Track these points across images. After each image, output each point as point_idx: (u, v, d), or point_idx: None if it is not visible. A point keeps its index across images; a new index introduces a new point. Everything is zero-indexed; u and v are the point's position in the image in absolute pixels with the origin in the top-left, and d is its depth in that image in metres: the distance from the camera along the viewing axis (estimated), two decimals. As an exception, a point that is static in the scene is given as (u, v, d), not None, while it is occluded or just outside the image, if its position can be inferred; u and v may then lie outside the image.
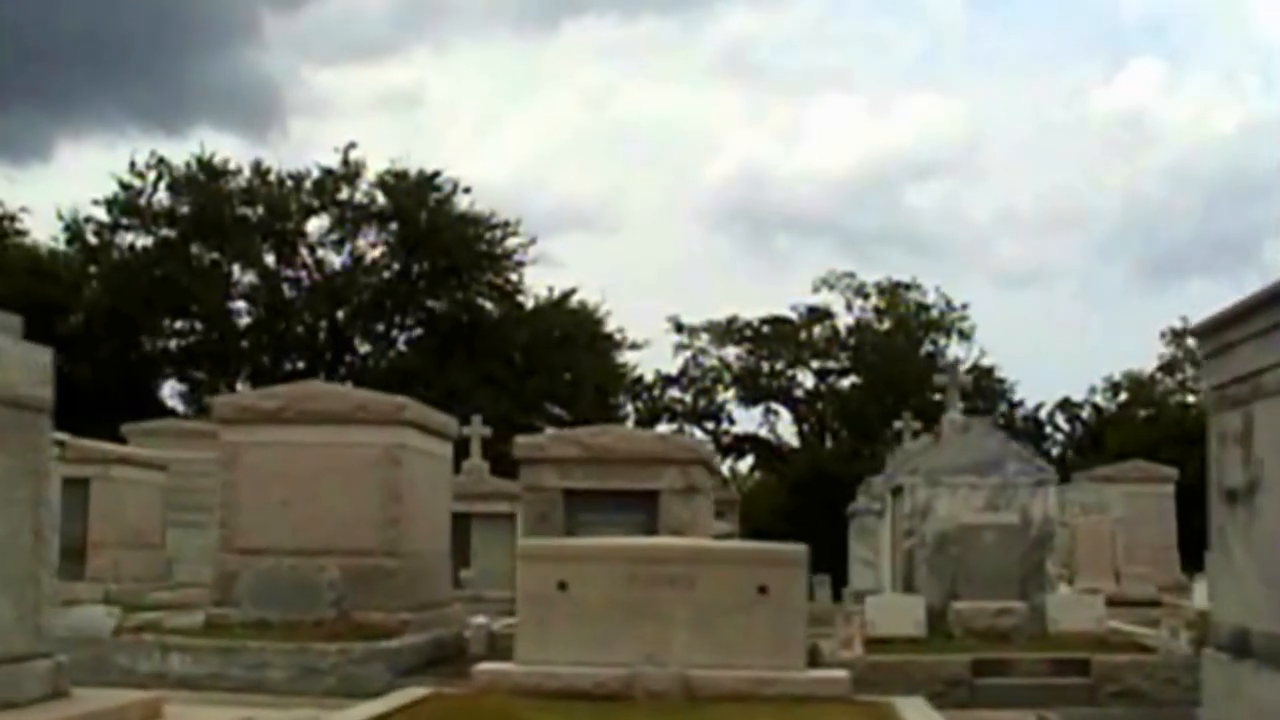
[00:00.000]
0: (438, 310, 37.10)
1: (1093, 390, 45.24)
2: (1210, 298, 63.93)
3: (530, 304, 37.73)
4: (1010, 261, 61.96)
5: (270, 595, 13.10)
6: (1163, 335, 44.91)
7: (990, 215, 64.85)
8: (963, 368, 43.28)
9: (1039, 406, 45.68)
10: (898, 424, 26.29)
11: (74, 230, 35.79)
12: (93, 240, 35.90)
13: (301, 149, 66.55)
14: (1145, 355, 55.06)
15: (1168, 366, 45.69)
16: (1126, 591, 19.98)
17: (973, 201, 64.74)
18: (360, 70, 60.54)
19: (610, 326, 38.44)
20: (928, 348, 43.74)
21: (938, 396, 42.37)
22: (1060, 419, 46.41)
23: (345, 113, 57.39)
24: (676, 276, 61.73)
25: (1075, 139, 64.50)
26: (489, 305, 36.84)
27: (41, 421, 7.74)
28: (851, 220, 63.27)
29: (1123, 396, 45.62)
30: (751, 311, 43.69)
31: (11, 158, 58.14)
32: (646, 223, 63.46)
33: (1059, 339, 58.01)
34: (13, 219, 36.10)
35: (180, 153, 38.49)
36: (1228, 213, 61.54)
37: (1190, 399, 45.50)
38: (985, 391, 41.74)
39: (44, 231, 36.48)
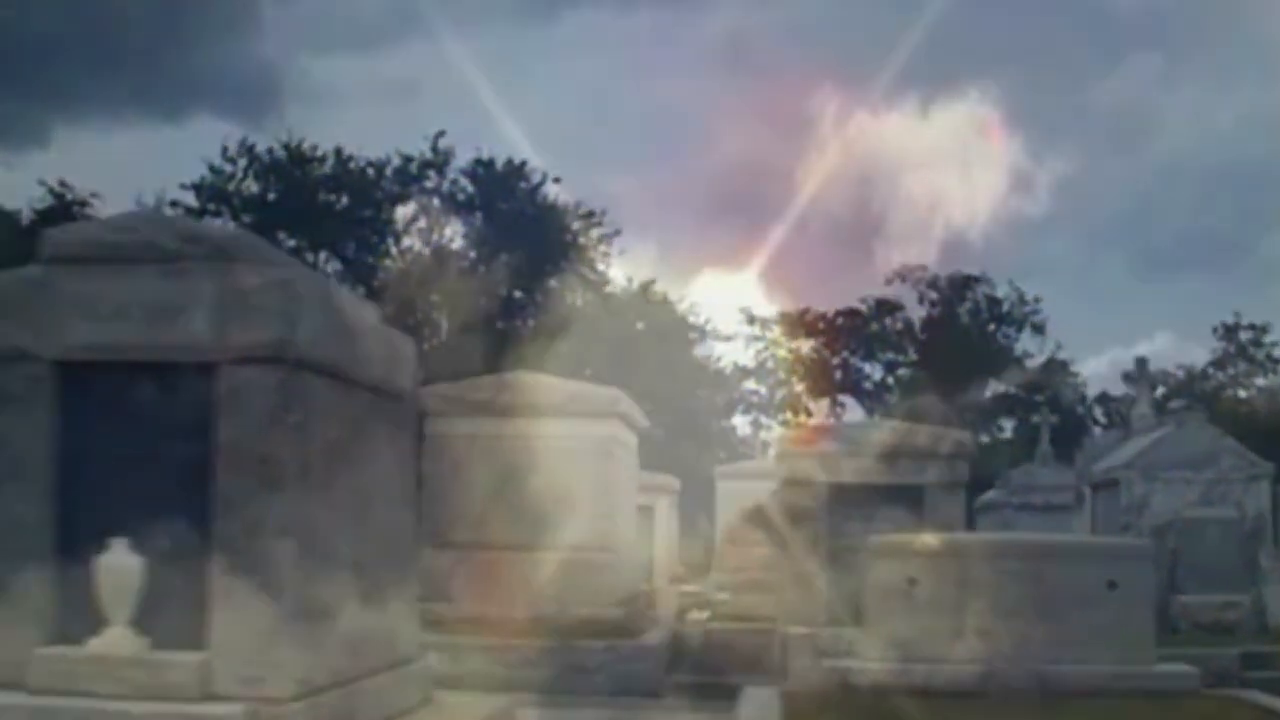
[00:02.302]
0: (524, 300, 36.89)
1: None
2: (1208, 291, 63.95)
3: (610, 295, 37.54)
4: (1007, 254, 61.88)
5: (485, 590, 12.93)
6: (1214, 330, 44.51)
7: (987, 208, 64.45)
8: (1034, 362, 43.36)
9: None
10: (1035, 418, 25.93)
11: (155, 217, 35.49)
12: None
13: (298, 137, 65.95)
14: (1145, 348, 54.75)
15: (1219, 361, 45.17)
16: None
17: (969, 194, 64.28)
18: (358, 59, 60.16)
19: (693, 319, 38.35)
20: (999, 341, 43.50)
21: (1010, 389, 42.83)
22: (1099, 413, 45.93)
23: (343, 101, 56.97)
24: (675, 269, 61.26)
25: (1073, 132, 64.18)
26: (576, 296, 36.59)
27: (414, 416, 7.60)
28: (848, 212, 62.83)
29: (1160, 391, 45.02)
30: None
31: (8, 144, 57.65)
32: (643, 215, 63.08)
33: (1055, 331, 57.69)
34: (83, 204, 35.80)
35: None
36: (1225, 206, 61.21)
37: (1243, 394, 45.23)
38: (1059, 386, 41.50)
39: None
